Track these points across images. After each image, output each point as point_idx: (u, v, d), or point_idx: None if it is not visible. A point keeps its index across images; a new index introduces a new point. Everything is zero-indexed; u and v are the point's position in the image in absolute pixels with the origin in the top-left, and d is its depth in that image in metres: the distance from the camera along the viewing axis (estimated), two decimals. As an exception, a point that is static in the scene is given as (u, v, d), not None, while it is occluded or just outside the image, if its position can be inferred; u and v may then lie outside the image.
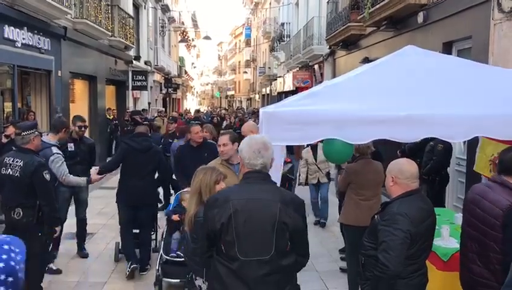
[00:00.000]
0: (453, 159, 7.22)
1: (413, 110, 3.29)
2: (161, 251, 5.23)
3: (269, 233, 2.52)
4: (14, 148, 5.86)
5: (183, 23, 37.66)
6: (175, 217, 5.34)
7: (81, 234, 6.46)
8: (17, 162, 4.31)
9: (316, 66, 18.55)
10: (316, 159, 7.51)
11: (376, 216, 3.10)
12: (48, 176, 4.40)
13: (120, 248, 6.10)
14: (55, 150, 5.43)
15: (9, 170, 4.32)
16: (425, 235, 2.98)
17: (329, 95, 3.58)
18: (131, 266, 5.55)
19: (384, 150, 6.12)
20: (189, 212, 3.27)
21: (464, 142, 7.42)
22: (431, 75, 3.72)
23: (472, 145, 5.86)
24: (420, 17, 8.64)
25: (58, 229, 4.82)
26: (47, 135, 5.65)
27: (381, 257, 2.84)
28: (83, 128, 6.20)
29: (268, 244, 2.53)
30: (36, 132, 4.55)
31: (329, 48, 15.96)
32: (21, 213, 4.31)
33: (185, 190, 5.34)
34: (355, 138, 3.32)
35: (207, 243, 2.68)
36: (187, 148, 6.07)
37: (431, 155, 6.58)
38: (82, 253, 6.39)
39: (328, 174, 7.66)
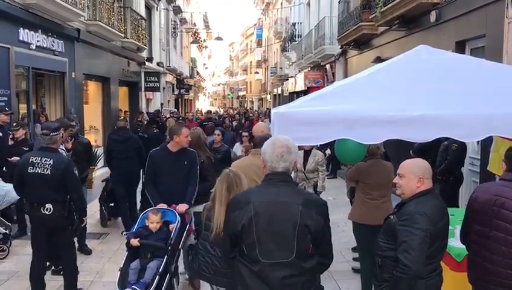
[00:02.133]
0: (467, 158, 7.16)
1: (426, 110, 3.28)
2: (116, 287, 4.30)
3: (290, 236, 2.52)
4: (24, 148, 6.03)
5: (194, 24, 37.80)
6: (134, 242, 4.43)
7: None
8: (45, 160, 4.52)
9: (328, 66, 18.50)
10: (304, 167, 6.63)
11: (392, 216, 3.07)
12: (76, 172, 4.70)
13: None
14: (61, 147, 5.66)
15: (38, 168, 4.52)
16: (442, 234, 2.96)
17: (341, 95, 3.58)
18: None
19: (396, 151, 6.10)
20: (218, 218, 3.28)
21: (478, 141, 7.35)
22: (444, 75, 3.70)
23: (486, 144, 5.82)
24: (433, 16, 8.58)
25: (85, 219, 5.14)
26: None
27: (401, 258, 2.80)
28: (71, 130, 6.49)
29: (290, 247, 2.52)
30: (60, 133, 4.93)
31: (341, 47, 15.91)
32: (51, 208, 4.55)
33: (155, 207, 4.81)
34: (367, 138, 3.31)
35: (229, 244, 2.71)
36: (163, 153, 5.21)
37: (445, 155, 6.53)
38: (83, 249, 6.44)
39: (315, 187, 6.71)
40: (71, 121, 6.74)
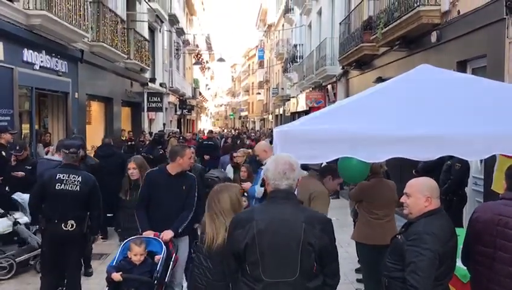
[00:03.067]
0: (470, 178, 7.12)
1: (429, 128, 3.26)
2: None
3: (294, 254, 2.48)
4: (27, 167, 6.06)
5: (197, 46, 38.18)
6: (116, 277, 4.04)
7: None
8: (74, 177, 4.68)
9: (329, 86, 18.59)
10: None
11: (399, 236, 3.02)
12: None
13: None
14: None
15: (67, 185, 4.65)
16: (451, 255, 2.91)
17: (344, 114, 3.57)
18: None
19: (398, 170, 6.06)
20: (216, 236, 3.23)
21: (481, 161, 7.32)
22: (446, 93, 3.70)
23: (489, 164, 5.78)
24: (433, 37, 8.64)
25: (98, 237, 5.30)
26: (52, 155, 5.85)
27: (410, 279, 2.74)
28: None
29: (293, 266, 2.48)
30: (81, 151, 5.23)
31: (342, 68, 16.01)
32: (74, 225, 4.65)
33: (138, 237, 4.35)
34: (371, 156, 3.29)
35: (234, 263, 2.66)
36: (162, 176, 4.69)
37: (448, 175, 6.50)
38: (87, 272, 6.33)
39: None
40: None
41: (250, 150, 8.38)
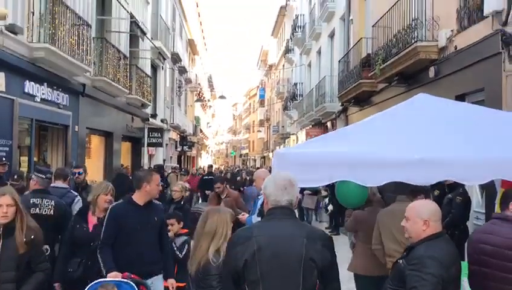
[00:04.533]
0: (471, 212, 7.02)
1: (428, 153, 3.25)
2: None
3: (296, 271, 2.40)
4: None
5: (199, 84, 38.70)
6: None
7: None
8: (47, 202, 4.70)
9: (329, 123, 18.68)
10: None
11: (401, 261, 2.94)
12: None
13: None
14: (75, 193, 5.77)
15: (41, 209, 4.65)
16: (454, 280, 2.82)
17: (342, 139, 3.57)
18: None
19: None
20: (198, 255, 3.14)
21: (482, 195, 7.25)
22: (444, 119, 3.71)
23: (490, 198, 5.72)
24: (431, 72, 8.74)
25: None
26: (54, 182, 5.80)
27: None
28: None
29: (296, 283, 2.39)
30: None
31: (342, 105, 16.14)
32: (48, 249, 4.54)
33: (107, 280, 3.76)
34: (368, 180, 3.25)
35: (233, 286, 2.55)
36: (130, 208, 4.11)
37: (449, 208, 6.40)
38: None
39: None
40: (79, 168, 6.71)
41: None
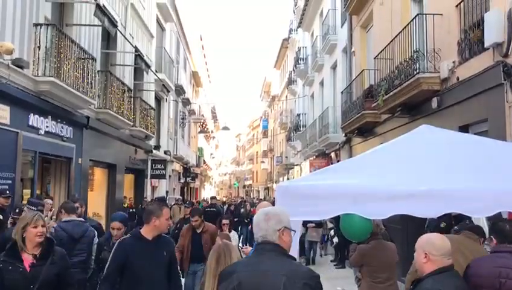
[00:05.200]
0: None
1: (432, 185, 3.20)
2: None
3: None
4: None
5: (202, 116, 38.95)
6: None
7: None
8: None
9: (333, 154, 18.64)
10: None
11: None
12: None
13: None
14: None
15: None
16: None
17: (346, 170, 3.53)
18: None
19: (405, 232, 5.89)
20: None
21: (488, 225, 7.13)
22: (448, 151, 3.68)
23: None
24: (434, 103, 8.75)
25: None
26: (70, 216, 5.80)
27: None
28: None
29: None
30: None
31: (345, 135, 16.14)
32: None
33: None
34: (373, 213, 3.20)
35: None
36: (138, 243, 3.96)
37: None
38: None
39: None
40: (75, 202, 6.65)
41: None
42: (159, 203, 4.30)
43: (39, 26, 8.88)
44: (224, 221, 7.82)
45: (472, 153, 3.70)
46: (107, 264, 3.98)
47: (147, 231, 3.98)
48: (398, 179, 3.28)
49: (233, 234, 7.96)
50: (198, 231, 6.81)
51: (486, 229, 7.02)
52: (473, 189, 3.18)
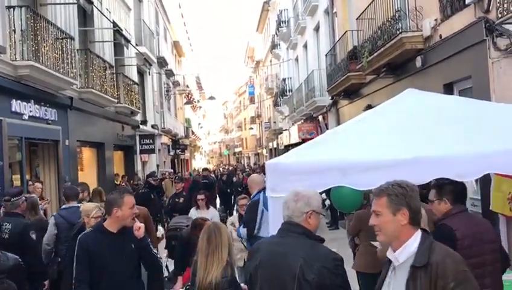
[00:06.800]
0: (468, 199, 7.04)
1: (419, 152, 3.23)
2: None
3: (289, 288, 2.40)
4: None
5: (187, 86, 38.56)
6: None
7: None
8: (6, 225, 4.73)
9: (320, 117, 18.69)
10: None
11: None
12: (34, 236, 4.80)
13: None
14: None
15: (2, 233, 4.68)
16: None
17: (333, 143, 3.54)
18: None
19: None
20: (205, 275, 3.11)
21: (476, 181, 7.27)
22: (434, 116, 3.69)
23: (484, 184, 5.72)
24: (418, 62, 8.75)
25: (46, 283, 5.08)
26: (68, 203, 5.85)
27: None
28: None
29: None
30: (23, 197, 5.14)
31: (332, 98, 16.15)
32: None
33: None
34: (362, 184, 3.23)
35: None
36: (101, 237, 3.60)
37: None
38: None
39: None
40: (83, 191, 6.66)
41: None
42: (120, 191, 3.83)
43: (12, 9, 8.60)
44: (199, 196, 7.34)
45: (459, 116, 3.70)
46: (74, 265, 3.62)
47: (110, 224, 3.61)
48: (384, 148, 3.29)
49: (212, 211, 7.49)
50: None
51: (473, 183, 7.18)
52: (460, 153, 3.20)
